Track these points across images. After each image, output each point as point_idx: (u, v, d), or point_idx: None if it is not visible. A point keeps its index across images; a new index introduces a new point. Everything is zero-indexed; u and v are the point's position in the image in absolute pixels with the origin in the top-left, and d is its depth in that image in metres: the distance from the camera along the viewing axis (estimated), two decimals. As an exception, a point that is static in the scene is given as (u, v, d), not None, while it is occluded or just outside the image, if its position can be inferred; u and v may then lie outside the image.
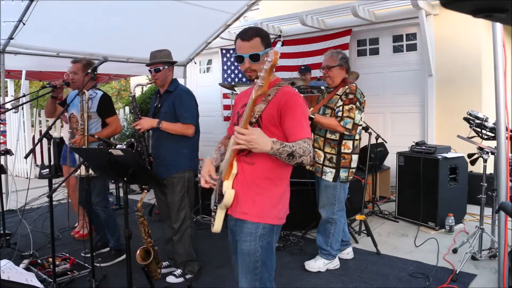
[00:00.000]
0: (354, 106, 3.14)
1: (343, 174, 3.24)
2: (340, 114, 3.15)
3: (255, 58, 1.88)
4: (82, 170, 2.97)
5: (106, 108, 3.53)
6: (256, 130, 1.67)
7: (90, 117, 3.48)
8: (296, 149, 1.71)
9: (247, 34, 1.91)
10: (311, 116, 3.15)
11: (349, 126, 3.13)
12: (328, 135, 3.23)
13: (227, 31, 6.45)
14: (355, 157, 3.28)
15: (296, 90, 1.96)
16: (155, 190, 3.31)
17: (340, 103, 3.18)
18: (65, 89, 3.81)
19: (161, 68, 3.10)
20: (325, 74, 3.31)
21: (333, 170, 3.23)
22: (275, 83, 1.96)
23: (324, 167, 3.26)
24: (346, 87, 3.22)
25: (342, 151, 3.23)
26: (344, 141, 3.22)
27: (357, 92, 3.18)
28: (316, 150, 3.30)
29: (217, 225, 1.93)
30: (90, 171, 2.91)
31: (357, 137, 3.29)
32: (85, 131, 3.25)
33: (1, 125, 4.67)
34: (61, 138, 6.48)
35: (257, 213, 1.88)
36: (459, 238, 3.89)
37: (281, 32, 6.30)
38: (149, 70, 3.16)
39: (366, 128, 4.34)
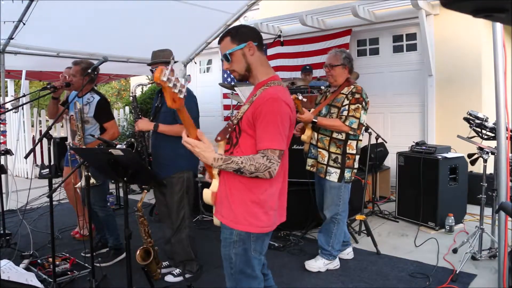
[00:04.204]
0: (360, 106, 3.14)
1: (347, 174, 3.24)
2: (345, 113, 3.15)
3: (226, 58, 1.86)
4: (83, 181, 3.00)
5: (103, 113, 3.53)
6: (202, 145, 1.70)
7: (88, 122, 3.49)
8: (245, 166, 1.67)
9: (220, 37, 1.90)
10: (314, 120, 3.15)
11: (355, 125, 3.12)
12: (335, 135, 3.22)
13: (227, 31, 6.44)
14: (357, 158, 3.29)
15: (283, 88, 1.82)
16: (154, 191, 3.31)
17: (346, 102, 3.17)
18: (62, 93, 3.81)
19: (162, 68, 3.10)
20: (327, 73, 3.31)
21: (338, 171, 3.22)
22: (266, 83, 1.85)
23: (328, 168, 3.25)
24: (352, 86, 3.22)
25: (347, 151, 3.23)
26: (349, 141, 3.22)
27: (363, 92, 3.19)
28: (320, 150, 3.29)
29: (215, 220, 1.98)
30: (92, 180, 2.92)
31: (360, 137, 3.29)
32: (81, 141, 3.29)
33: (1, 125, 4.66)
34: (61, 138, 6.47)
35: (231, 218, 1.83)
36: (459, 238, 3.89)
37: (281, 32, 6.33)
38: (151, 70, 3.16)
39: (366, 128, 4.34)
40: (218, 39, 1.91)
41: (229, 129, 1.87)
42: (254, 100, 1.79)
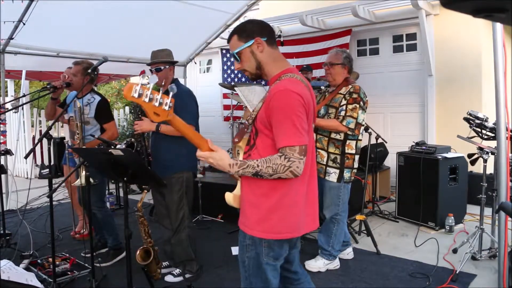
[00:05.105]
0: (357, 106, 3.13)
1: (346, 174, 3.24)
2: (342, 113, 3.15)
3: (235, 58, 1.81)
4: (81, 179, 3.00)
5: (103, 114, 3.53)
6: (215, 154, 1.66)
7: (88, 123, 3.49)
8: (262, 169, 1.61)
9: (229, 36, 1.83)
10: None
11: (352, 125, 3.12)
12: (333, 135, 3.22)
13: (227, 31, 6.44)
14: (357, 157, 3.29)
15: (294, 80, 1.70)
16: (152, 191, 3.31)
17: (343, 102, 3.17)
18: (63, 93, 3.82)
19: (162, 67, 3.10)
20: (327, 71, 3.31)
21: (337, 171, 3.22)
22: (278, 76, 1.75)
23: (327, 168, 3.25)
24: (350, 86, 3.22)
25: (346, 151, 3.23)
26: (348, 141, 3.22)
27: (361, 92, 3.18)
28: (319, 150, 3.29)
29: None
30: (90, 179, 2.92)
31: (360, 137, 3.29)
32: (80, 141, 3.29)
33: (1, 125, 4.67)
34: (61, 138, 6.48)
35: (245, 223, 1.80)
36: (459, 238, 3.90)
37: (281, 32, 6.32)
38: (150, 70, 3.16)
39: (366, 128, 4.34)
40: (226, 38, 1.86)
41: (245, 130, 1.83)
42: (266, 97, 1.72)
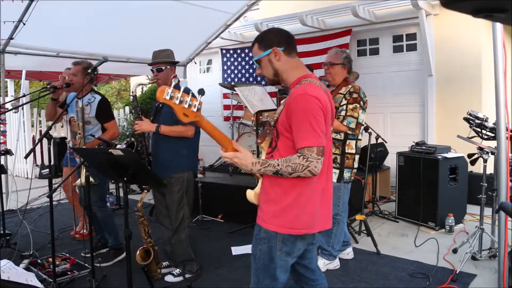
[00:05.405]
0: (358, 106, 3.14)
1: (346, 174, 3.24)
2: (343, 113, 3.15)
3: (257, 64, 1.95)
4: (82, 178, 3.00)
5: (104, 113, 3.54)
6: (239, 154, 1.76)
7: (89, 122, 3.50)
8: (282, 168, 1.70)
9: (252, 43, 1.96)
10: None
11: (353, 125, 3.13)
12: (333, 135, 3.22)
13: (227, 31, 6.45)
14: (357, 157, 3.29)
15: (312, 84, 1.79)
16: (153, 191, 3.31)
17: (344, 102, 3.18)
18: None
19: (163, 68, 3.10)
20: (326, 71, 3.32)
21: (337, 171, 3.22)
22: (298, 81, 1.85)
23: None
24: (350, 86, 3.23)
25: (346, 151, 3.23)
26: (348, 141, 3.23)
27: (360, 92, 3.19)
28: None
29: None
30: (91, 179, 2.91)
31: (360, 136, 3.29)
32: (82, 140, 3.29)
33: (1, 125, 4.67)
34: (61, 138, 6.47)
35: (261, 217, 1.88)
36: (459, 238, 3.90)
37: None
38: (151, 70, 3.16)
39: (366, 128, 4.34)
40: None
41: (267, 131, 1.92)
42: (286, 101, 1.82)
